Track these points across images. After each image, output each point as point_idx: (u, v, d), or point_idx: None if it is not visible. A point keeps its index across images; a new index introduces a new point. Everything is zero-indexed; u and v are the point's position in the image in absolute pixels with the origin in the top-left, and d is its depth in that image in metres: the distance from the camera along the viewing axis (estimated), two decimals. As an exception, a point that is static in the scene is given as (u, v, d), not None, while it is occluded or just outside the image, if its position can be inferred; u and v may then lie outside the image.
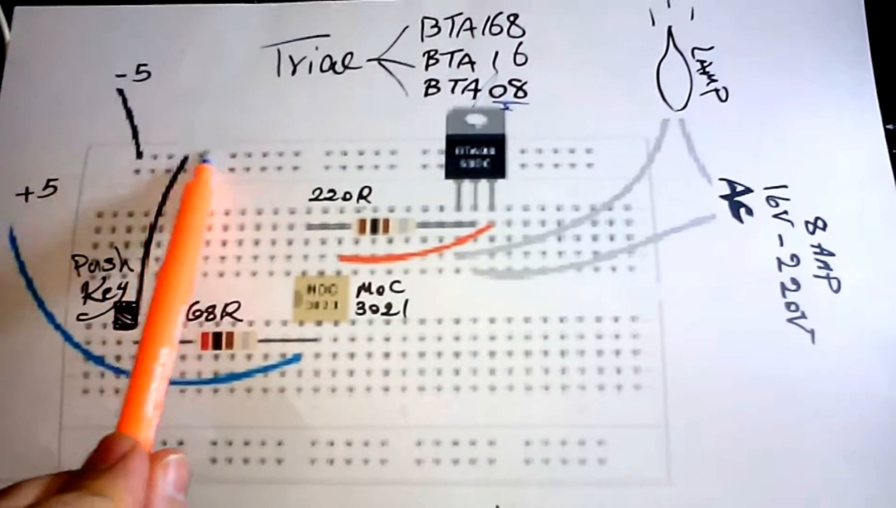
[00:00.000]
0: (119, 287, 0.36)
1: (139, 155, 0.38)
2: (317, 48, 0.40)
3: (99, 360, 0.36)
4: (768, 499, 0.33)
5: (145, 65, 0.40)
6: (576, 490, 0.34)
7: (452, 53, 0.39)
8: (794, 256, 0.36)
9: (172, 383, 0.35)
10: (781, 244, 0.36)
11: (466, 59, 0.39)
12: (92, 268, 0.37)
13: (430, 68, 0.39)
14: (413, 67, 0.39)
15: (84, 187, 0.38)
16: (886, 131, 0.37)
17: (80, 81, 0.40)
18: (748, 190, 0.37)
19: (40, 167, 0.38)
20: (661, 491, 0.33)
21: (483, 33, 0.40)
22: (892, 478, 0.33)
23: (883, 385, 0.34)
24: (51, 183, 0.38)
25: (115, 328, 0.36)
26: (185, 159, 0.38)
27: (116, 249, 0.37)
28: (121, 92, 0.39)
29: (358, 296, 0.36)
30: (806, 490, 0.33)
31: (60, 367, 0.36)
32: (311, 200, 0.37)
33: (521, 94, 0.39)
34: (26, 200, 0.38)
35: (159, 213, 0.37)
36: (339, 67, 0.39)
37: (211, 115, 0.39)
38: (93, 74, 0.40)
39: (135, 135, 0.39)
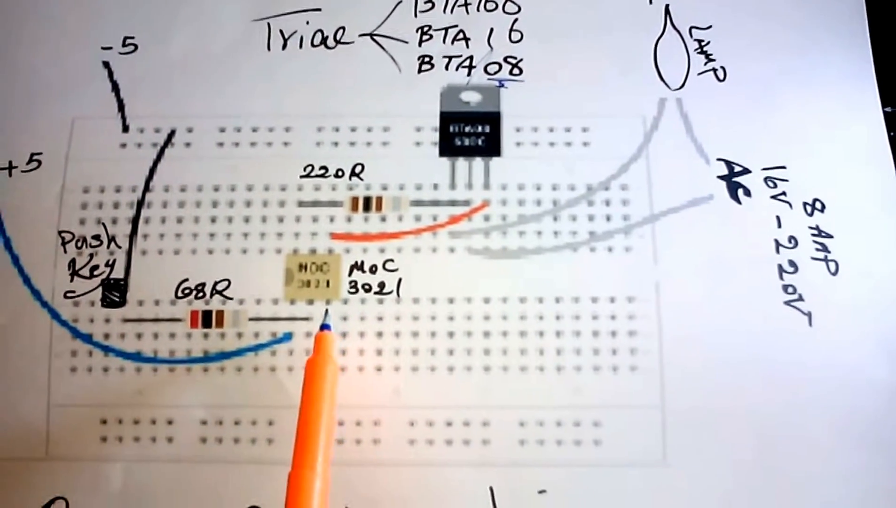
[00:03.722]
0: (107, 264, 0.36)
1: (125, 129, 0.37)
2: (308, 22, 0.39)
3: (87, 338, 0.35)
4: (764, 480, 0.33)
5: (132, 38, 0.39)
6: (571, 471, 0.33)
7: (446, 29, 0.39)
8: (791, 237, 0.36)
9: (161, 362, 0.35)
10: (779, 226, 0.36)
11: (461, 36, 0.39)
12: (79, 244, 0.36)
13: (423, 44, 0.39)
14: (406, 42, 0.39)
15: (69, 162, 0.37)
16: (885, 114, 0.37)
17: (65, 53, 0.39)
18: (746, 171, 0.36)
19: (23, 141, 0.37)
20: (657, 472, 0.33)
21: (478, 9, 0.39)
22: (887, 459, 0.33)
23: (880, 368, 0.34)
24: (35, 157, 0.37)
25: (103, 306, 0.35)
26: (172, 133, 0.37)
27: (104, 225, 0.36)
28: (106, 65, 0.38)
29: (350, 275, 0.35)
30: (802, 471, 0.33)
31: (48, 345, 0.35)
32: (302, 176, 0.37)
33: (516, 71, 0.38)
34: (10, 174, 0.37)
35: (147, 188, 0.36)
36: (330, 42, 0.39)
37: (199, 88, 0.38)
38: (78, 46, 0.39)
39: (121, 108, 0.38)
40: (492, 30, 0.39)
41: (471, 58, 0.38)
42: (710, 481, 0.33)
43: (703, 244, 0.35)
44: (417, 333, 0.35)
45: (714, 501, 0.33)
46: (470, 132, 0.37)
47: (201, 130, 0.37)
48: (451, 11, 0.39)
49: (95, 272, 0.36)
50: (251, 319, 0.35)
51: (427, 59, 0.38)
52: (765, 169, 0.36)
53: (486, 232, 0.36)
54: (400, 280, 0.35)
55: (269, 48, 0.39)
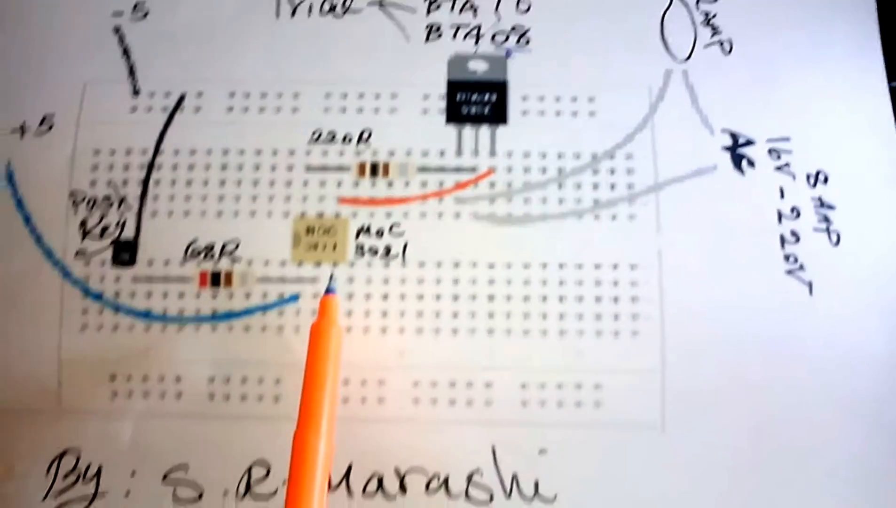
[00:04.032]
0: (117, 225, 0.36)
1: (136, 92, 0.38)
2: (316, -10, 0.39)
3: (97, 296, 0.35)
4: (761, 447, 0.34)
5: (143, 3, 0.39)
6: (571, 433, 0.34)
7: (455, -2, 0.39)
8: (794, 208, 0.36)
9: (170, 320, 0.35)
10: (782, 197, 0.36)
11: (468, 5, 0.39)
12: (90, 205, 0.36)
13: (431, 13, 0.39)
14: (414, 11, 0.39)
15: (81, 124, 0.37)
16: (891, 89, 0.37)
17: (77, 18, 0.39)
18: (750, 142, 0.37)
19: (36, 104, 0.38)
20: (655, 436, 0.34)
21: (486, -21, 0.40)
22: (886, 428, 0.34)
23: (879, 338, 0.35)
24: (47, 120, 0.37)
25: (113, 265, 0.36)
26: (182, 97, 0.38)
27: (114, 186, 0.37)
28: (117, 30, 0.39)
29: (357, 238, 0.36)
30: (799, 440, 0.34)
31: (59, 302, 0.35)
32: (310, 141, 0.37)
33: (523, 41, 0.38)
34: (22, 136, 0.37)
35: (157, 151, 0.37)
36: (338, 11, 0.39)
37: (209, 54, 0.38)
38: (89, 11, 0.39)
39: (131, 73, 0.38)
40: (500, -1, 0.39)
41: (478, 27, 0.39)
42: (707, 444, 0.34)
43: (705, 214, 0.36)
44: (422, 296, 0.35)
45: (711, 463, 0.34)
46: (477, 100, 0.38)
47: (211, 94, 0.38)
48: (460, -20, 0.40)
49: (106, 232, 0.36)
50: (259, 280, 0.36)
51: (435, 28, 0.39)
52: (769, 140, 0.37)
53: (492, 198, 0.36)
54: (406, 244, 0.36)
55: (277, 15, 0.39)
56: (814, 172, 0.36)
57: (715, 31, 0.38)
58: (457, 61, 0.38)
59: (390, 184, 0.36)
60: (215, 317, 0.35)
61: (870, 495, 0.34)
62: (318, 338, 0.31)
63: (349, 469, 0.34)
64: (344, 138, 0.37)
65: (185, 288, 0.35)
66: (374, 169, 0.37)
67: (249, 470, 0.34)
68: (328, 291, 0.33)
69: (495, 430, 0.34)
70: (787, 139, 0.37)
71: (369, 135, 0.37)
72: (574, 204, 0.36)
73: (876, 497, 0.34)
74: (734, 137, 0.37)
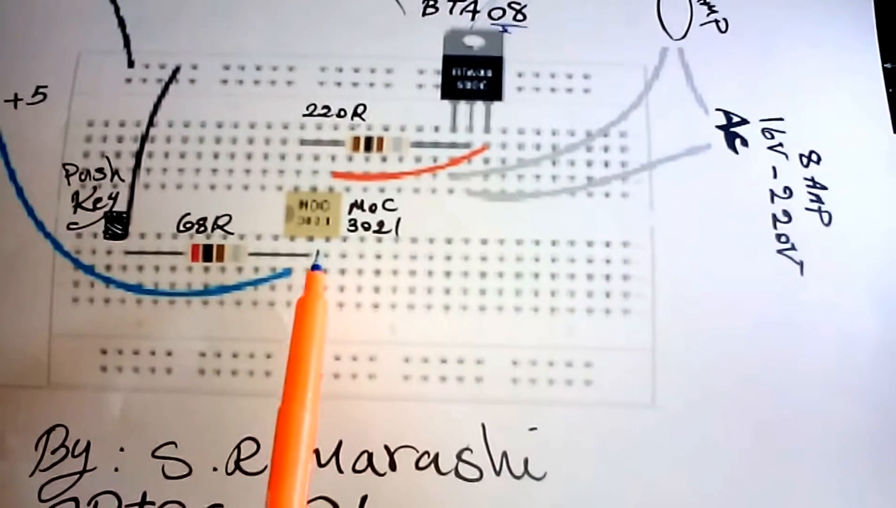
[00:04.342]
0: (110, 197, 0.36)
1: (131, 64, 0.38)
2: (313, -37, 0.39)
3: (89, 269, 0.35)
4: (751, 426, 0.34)
5: None
6: (561, 410, 0.34)
7: (451, -27, 0.39)
8: (786, 188, 0.36)
9: (161, 294, 0.35)
10: (775, 176, 0.36)
11: (465, -20, 0.39)
12: (83, 177, 0.36)
13: (428, -12, 0.39)
14: (411, -15, 0.39)
15: (74, 95, 0.37)
16: (885, 70, 0.37)
17: (72, -12, 0.39)
18: (744, 121, 0.37)
19: (29, 74, 0.37)
20: (646, 414, 0.34)
21: (483, -46, 0.39)
22: (876, 408, 0.34)
23: (869, 318, 0.35)
24: (40, 90, 0.37)
25: (105, 238, 0.36)
26: (177, 69, 0.37)
27: (107, 158, 0.36)
28: (113, 1, 0.38)
29: (350, 213, 0.36)
30: (790, 418, 0.34)
31: (50, 275, 0.35)
32: (304, 115, 0.37)
33: (519, 17, 0.38)
34: (15, 106, 0.37)
35: (151, 123, 0.37)
36: (335, -16, 0.39)
37: (205, 26, 0.38)
38: (85, -19, 0.39)
39: (126, 44, 0.38)
40: (496, -25, 0.39)
41: (475, 2, 0.38)
42: (697, 423, 0.34)
43: (699, 192, 0.36)
44: (415, 272, 0.35)
45: (701, 442, 0.34)
46: (472, 76, 0.37)
47: (206, 67, 0.37)
48: (457, -44, 0.39)
49: (98, 205, 0.36)
50: (251, 254, 0.35)
51: (431, 3, 0.38)
52: (763, 120, 0.37)
53: (486, 175, 0.36)
54: (399, 220, 0.36)
55: (273, -12, 0.39)
56: (807, 153, 0.36)
57: (711, 9, 0.38)
58: (453, 36, 0.38)
59: (384, 159, 0.36)
60: (207, 291, 0.35)
61: (861, 464, 0.34)
62: (303, 313, 0.31)
63: (339, 445, 0.34)
64: (339, 112, 0.37)
65: (177, 262, 0.35)
66: (368, 144, 0.37)
67: (239, 446, 0.34)
68: (314, 267, 0.33)
69: (486, 407, 0.34)
70: (780, 119, 0.37)
71: (364, 109, 0.37)
72: (568, 181, 0.36)
73: (864, 469, 0.34)
74: (728, 116, 0.37)
